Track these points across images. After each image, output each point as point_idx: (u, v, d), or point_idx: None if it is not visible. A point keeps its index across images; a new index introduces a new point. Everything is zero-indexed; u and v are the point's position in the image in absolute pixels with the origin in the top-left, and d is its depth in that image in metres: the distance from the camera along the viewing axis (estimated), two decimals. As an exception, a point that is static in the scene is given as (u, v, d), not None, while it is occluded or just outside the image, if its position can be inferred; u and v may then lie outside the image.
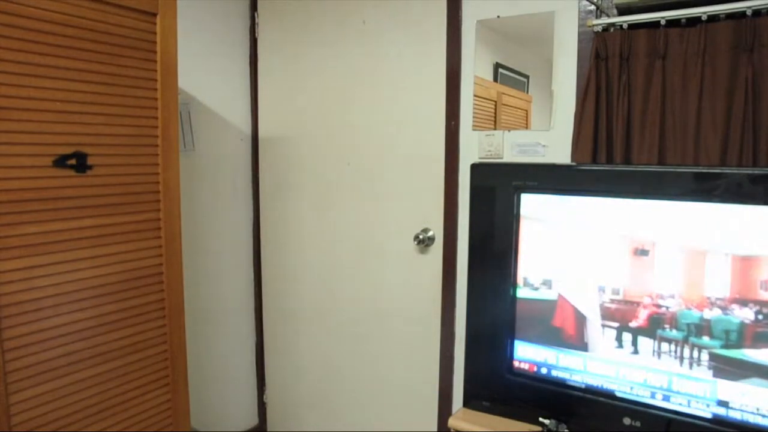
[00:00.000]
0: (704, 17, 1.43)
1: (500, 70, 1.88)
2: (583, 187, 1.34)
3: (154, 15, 1.68)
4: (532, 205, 1.38)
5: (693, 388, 1.21)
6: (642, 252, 1.25)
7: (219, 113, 2.40)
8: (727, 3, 1.41)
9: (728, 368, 1.17)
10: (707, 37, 1.44)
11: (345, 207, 2.34)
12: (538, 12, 1.75)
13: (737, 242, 1.15)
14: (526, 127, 1.84)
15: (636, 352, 1.27)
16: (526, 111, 1.85)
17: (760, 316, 1.12)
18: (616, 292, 1.29)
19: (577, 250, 1.33)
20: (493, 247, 1.43)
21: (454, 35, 1.93)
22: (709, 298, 1.18)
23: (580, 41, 1.69)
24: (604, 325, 1.31)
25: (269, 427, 2.67)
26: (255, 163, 2.57)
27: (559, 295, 1.36)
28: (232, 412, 2.56)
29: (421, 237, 2.10)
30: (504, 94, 1.87)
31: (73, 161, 1.54)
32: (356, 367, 2.37)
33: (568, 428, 1.32)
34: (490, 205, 1.43)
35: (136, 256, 1.69)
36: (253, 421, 2.68)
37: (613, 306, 1.29)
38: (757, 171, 1.20)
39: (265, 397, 2.66)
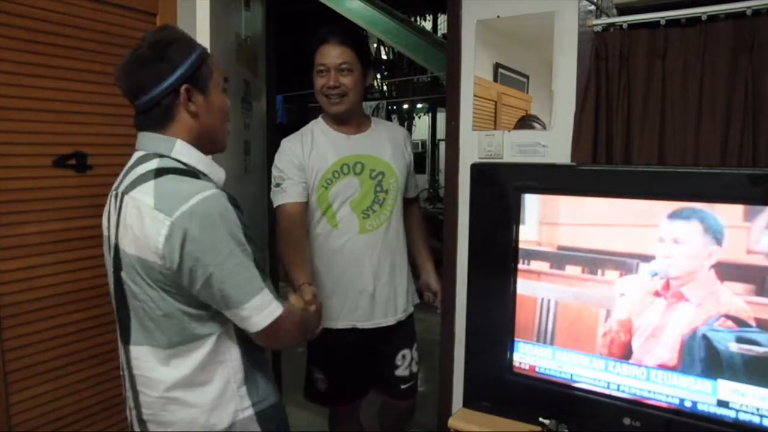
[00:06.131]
0: (704, 17, 1.43)
1: (500, 70, 1.87)
2: (583, 187, 1.34)
3: (154, 15, 1.68)
4: (533, 205, 1.38)
5: (693, 387, 1.21)
6: (644, 254, 1.25)
7: (219, 113, 2.40)
8: (727, 3, 1.41)
9: (728, 367, 1.17)
10: (707, 37, 1.44)
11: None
12: (538, 12, 1.75)
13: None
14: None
15: (636, 351, 1.27)
16: (526, 111, 1.85)
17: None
18: (618, 291, 1.29)
19: (577, 249, 1.33)
20: (494, 247, 1.43)
21: (454, 35, 1.93)
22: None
23: (580, 41, 1.69)
24: (604, 325, 1.31)
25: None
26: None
27: (560, 295, 1.36)
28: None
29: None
30: (504, 94, 1.87)
31: (73, 161, 1.54)
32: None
33: (568, 428, 1.31)
34: (490, 205, 1.43)
35: (136, 256, 1.68)
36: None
37: (614, 305, 1.29)
38: (757, 171, 1.20)
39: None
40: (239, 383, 1.15)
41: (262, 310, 1.07)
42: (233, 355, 1.14)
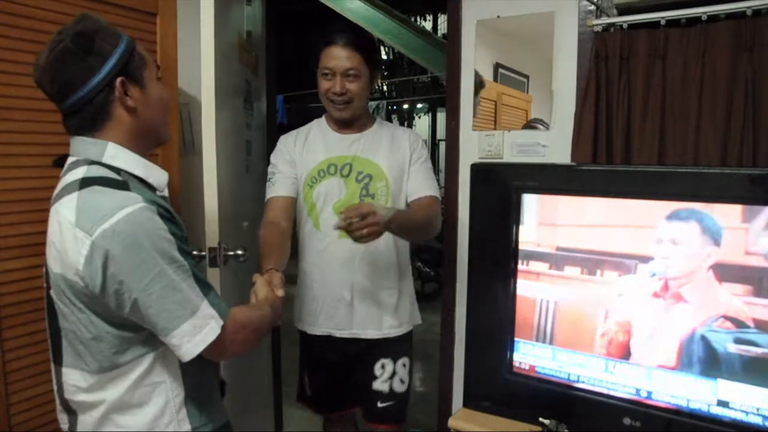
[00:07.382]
0: (704, 17, 1.44)
1: (500, 70, 1.88)
2: (582, 187, 1.34)
3: (154, 15, 1.68)
4: (532, 205, 1.38)
5: (693, 387, 1.21)
6: (643, 257, 1.25)
7: (219, 113, 2.40)
8: (727, 3, 1.41)
9: (727, 368, 1.17)
10: (707, 37, 1.44)
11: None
12: (538, 12, 1.76)
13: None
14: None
15: (635, 351, 1.27)
16: (526, 111, 1.86)
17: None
18: (617, 292, 1.29)
19: (576, 250, 1.33)
20: (494, 247, 1.43)
21: (454, 35, 1.93)
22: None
23: (580, 41, 1.69)
24: (603, 325, 1.31)
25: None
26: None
27: (559, 296, 1.36)
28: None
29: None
30: (504, 94, 1.88)
31: (73, 161, 1.54)
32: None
33: (568, 428, 1.32)
34: (490, 205, 1.43)
35: (136, 256, 1.68)
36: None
37: (613, 306, 1.29)
38: (757, 171, 1.20)
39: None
40: (179, 406, 1.05)
41: (194, 336, 0.96)
42: (172, 374, 1.04)
